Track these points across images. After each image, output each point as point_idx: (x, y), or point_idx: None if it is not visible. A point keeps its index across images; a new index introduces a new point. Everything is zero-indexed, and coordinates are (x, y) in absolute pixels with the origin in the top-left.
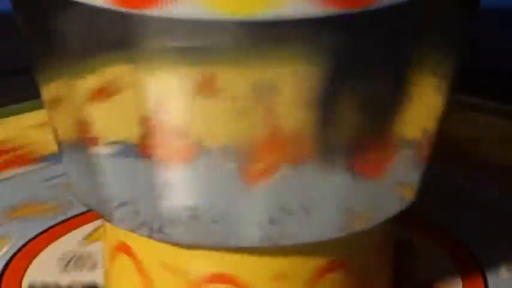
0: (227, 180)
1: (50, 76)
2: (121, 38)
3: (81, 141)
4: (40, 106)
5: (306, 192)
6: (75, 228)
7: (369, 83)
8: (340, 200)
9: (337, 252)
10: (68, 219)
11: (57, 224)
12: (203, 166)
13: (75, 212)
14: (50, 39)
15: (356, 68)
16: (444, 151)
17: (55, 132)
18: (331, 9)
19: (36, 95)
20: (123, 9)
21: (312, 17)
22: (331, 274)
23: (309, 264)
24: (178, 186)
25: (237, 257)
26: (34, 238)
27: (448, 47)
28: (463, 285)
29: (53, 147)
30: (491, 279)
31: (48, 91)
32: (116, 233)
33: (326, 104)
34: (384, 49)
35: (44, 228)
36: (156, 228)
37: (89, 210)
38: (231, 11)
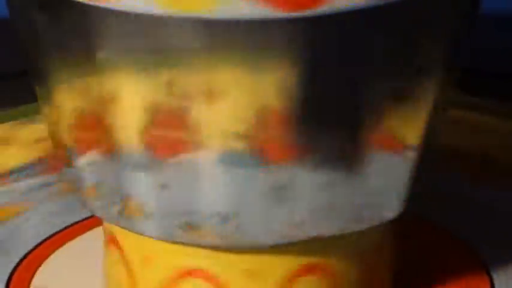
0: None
1: (47, 79)
2: (86, 34)
3: (98, 145)
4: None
5: (292, 191)
6: None
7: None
8: (326, 201)
9: (315, 255)
10: None
11: None
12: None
13: None
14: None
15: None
16: (444, 152)
17: (52, 136)
18: (279, 12)
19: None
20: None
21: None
22: (307, 276)
23: (284, 265)
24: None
25: (211, 253)
26: None
27: (432, 49)
28: (469, 285)
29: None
30: (496, 279)
31: (45, 96)
32: (107, 225)
33: (320, 105)
34: (344, 52)
35: None
36: (128, 220)
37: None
38: (180, 7)
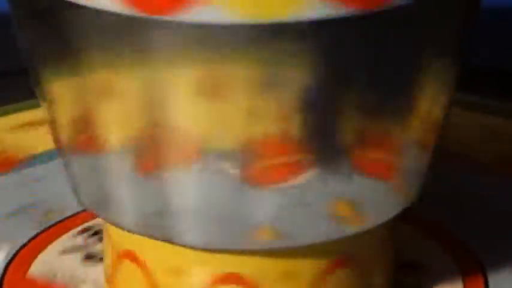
0: (228, 183)
1: (55, 77)
2: (127, 41)
3: (86, 143)
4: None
5: (307, 193)
6: None
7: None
8: (342, 201)
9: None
10: None
11: None
12: (204, 169)
13: None
14: (56, 41)
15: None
16: (444, 150)
17: (55, 133)
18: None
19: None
20: (135, 13)
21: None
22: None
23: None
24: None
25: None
26: None
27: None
28: (463, 283)
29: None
30: (491, 277)
31: (51, 92)
32: None
33: (325, 106)
34: (375, 52)
35: None
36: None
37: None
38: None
